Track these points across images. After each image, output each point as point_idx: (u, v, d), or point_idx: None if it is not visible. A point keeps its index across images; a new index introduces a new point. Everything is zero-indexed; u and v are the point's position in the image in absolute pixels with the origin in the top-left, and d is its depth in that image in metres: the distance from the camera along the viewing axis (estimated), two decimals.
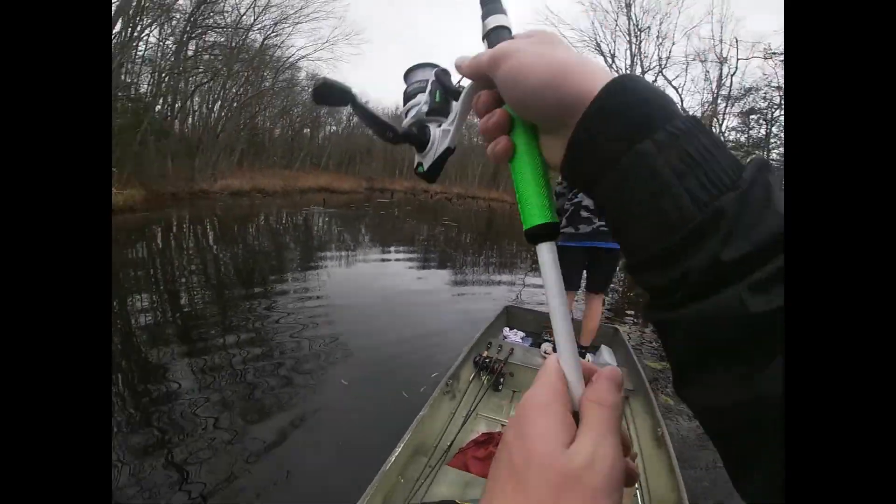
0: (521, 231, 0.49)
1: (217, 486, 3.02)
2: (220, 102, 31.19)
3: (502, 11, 0.51)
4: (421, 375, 4.69)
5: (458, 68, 0.50)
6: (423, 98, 0.62)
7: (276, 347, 5.45)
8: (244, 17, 28.24)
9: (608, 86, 0.37)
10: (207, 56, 28.73)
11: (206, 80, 28.38)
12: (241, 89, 31.35)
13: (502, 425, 3.27)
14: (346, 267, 10.84)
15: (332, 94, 0.59)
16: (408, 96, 0.64)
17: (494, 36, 0.49)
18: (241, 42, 28.61)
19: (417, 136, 0.62)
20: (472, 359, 3.93)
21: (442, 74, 0.61)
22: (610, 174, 0.38)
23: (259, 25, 29.18)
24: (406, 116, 0.64)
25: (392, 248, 13.79)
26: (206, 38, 28.58)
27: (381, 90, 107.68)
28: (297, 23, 30.16)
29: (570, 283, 4.17)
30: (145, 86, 27.12)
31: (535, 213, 0.48)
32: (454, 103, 0.59)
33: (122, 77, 22.27)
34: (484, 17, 0.51)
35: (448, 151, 0.61)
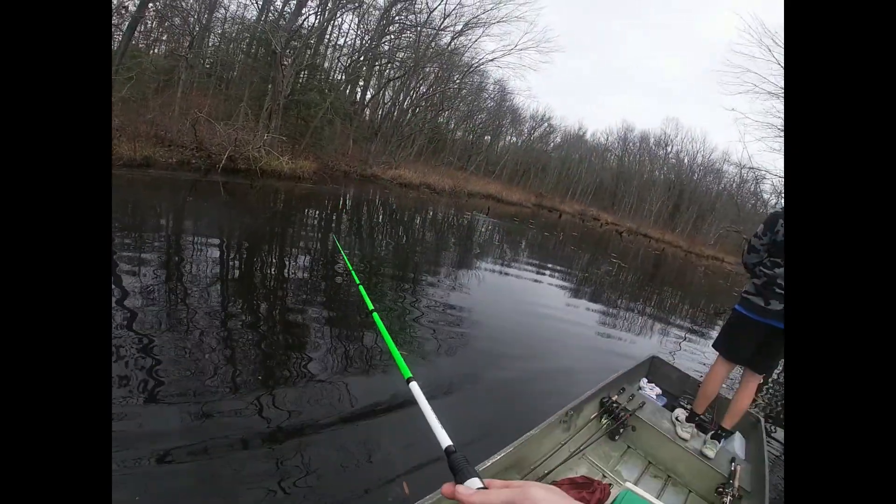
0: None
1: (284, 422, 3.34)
2: (408, 98, 32.19)
3: (475, 475, 0.68)
4: (533, 401, 4.65)
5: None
6: None
7: (408, 328, 5.77)
8: (434, 16, 28.75)
9: None
10: (401, 54, 29.99)
11: (397, 76, 29.61)
12: (430, 89, 32.04)
13: (604, 475, 3.23)
14: (497, 275, 10.58)
15: None
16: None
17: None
18: (429, 41, 29.13)
19: None
20: (601, 398, 3.79)
21: None
22: None
23: (450, 27, 29.42)
24: None
25: (547, 271, 12.74)
26: (402, 37, 29.95)
27: (566, 106, 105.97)
28: (488, 23, 29.63)
29: (737, 356, 3.64)
30: (338, 73, 28.81)
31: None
32: None
33: (316, 60, 23.61)
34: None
35: None
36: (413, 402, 0.94)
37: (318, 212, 13.73)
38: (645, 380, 4.65)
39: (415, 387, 1.09)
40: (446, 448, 0.80)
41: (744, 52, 39.80)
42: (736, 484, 3.01)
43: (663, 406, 4.13)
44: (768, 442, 4.08)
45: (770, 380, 7.26)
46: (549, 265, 13.72)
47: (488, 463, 2.44)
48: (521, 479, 2.57)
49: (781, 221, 3.13)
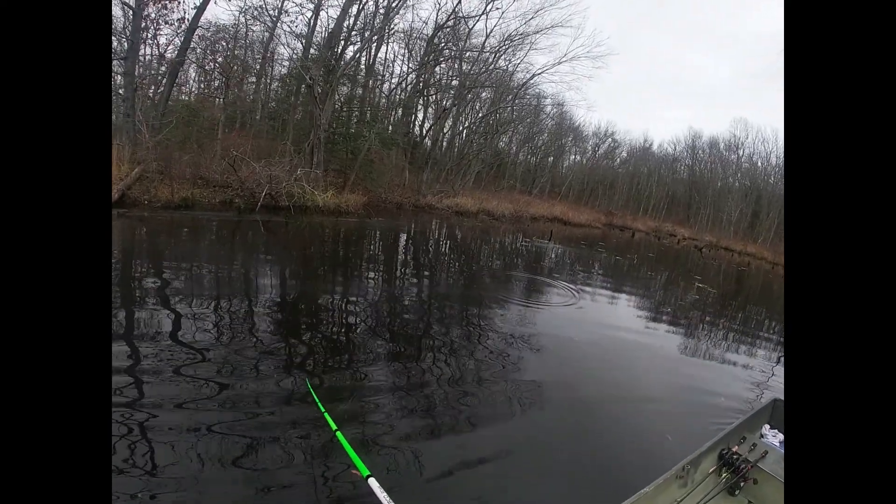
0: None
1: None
2: (461, 124, 31.65)
3: None
4: (617, 441, 4.35)
5: None
6: None
7: (469, 366, 5.43)
8: (478, 35, 28.04)
9: None
10: (455, 81, 29.29)
11: (451, 105, 28.85)
12: (486, 113, 31.19)
13: None
14: (565, 313, 9.26)
15: None
16: None
17: None
18: (474, 64, 28.26)
19: None
20: (720, 450, 3.56)
21: None
22: None
23: (496, 47, 28.52)
24: None
25: (622, 298, 11.79)
26: (452, 66, 29.35)
27: (629, 121, 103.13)
28: (528, 33, 28.34)
29: None
30: (391, 105, 29.12)
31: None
32: None
33: (365, 93, 23.56)
34: None
35: None
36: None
37: (344, 250, 12.81)
38: (767, 426, 4.29)
39: (373, 482, 1.37)
40: None
41: None
42: None
43: None
44: None
45: None
46: (624, 292, 12.54)
47: None
48: None
49: None
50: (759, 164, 50.67)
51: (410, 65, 30.93)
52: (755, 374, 7.22)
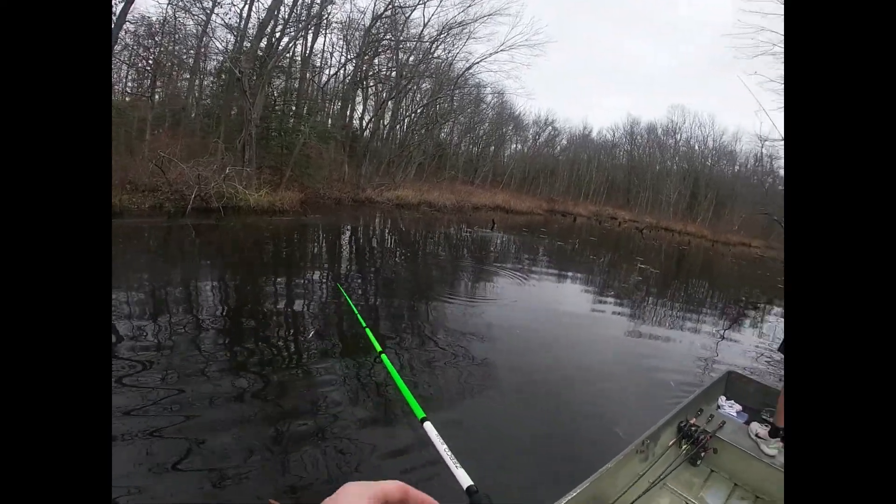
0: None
1: None
2: (401, 115, 31.46)
3: None
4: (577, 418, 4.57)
5: None
6: None
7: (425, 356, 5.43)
8: (415, 25, 27.91)
9: None
10: (393, 73, 29.04)
11: (391, 97, 28.39)
12: (426, 104, 30.93)
13: (687, 503, 3.13)
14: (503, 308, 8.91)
15: None
16: None
17: None
18: (410, 54, 28.14)
19: None
20: (678, 423, 3.61)
21: None
22: None
23: (433, 37, 28.29)
24: None
25: (567, 282, 11.83)
26: (392, 57, 29.10)
27: (568, 110, 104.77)
28: (466, 22, 28.12)
29: None
30: (328, 98, 28.52)
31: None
32: None
33: (301, 85, 23.18)
34: None
35: None
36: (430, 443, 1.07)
37: (267, 253, 11.82)
38: (723, 397, 4.42)
39: (429, 427, 1.28)
40: (468, 488, 0.83)
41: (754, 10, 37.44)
42: None
43: (745, 423, 3.92)
44: None
45: None
46: (567, 279, 12.51)
47: (563, 502, 2.32)
48: None
49: None
50: (697, 147, 52.58)
51: (349, 55, 30.36)
52: (702, 347, 7.53)
